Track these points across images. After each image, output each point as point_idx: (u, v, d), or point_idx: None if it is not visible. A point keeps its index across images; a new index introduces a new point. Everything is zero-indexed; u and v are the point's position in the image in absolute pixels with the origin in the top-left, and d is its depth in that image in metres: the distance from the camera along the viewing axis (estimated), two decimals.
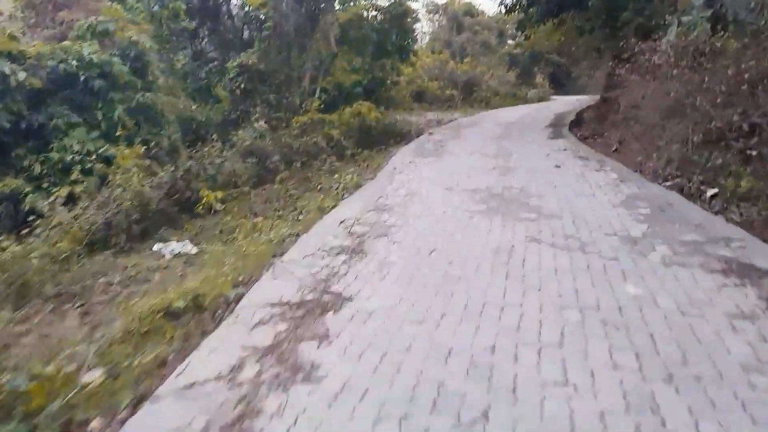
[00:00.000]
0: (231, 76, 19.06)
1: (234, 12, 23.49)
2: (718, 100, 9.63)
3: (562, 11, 18.78)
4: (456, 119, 25.99)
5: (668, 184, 9.01)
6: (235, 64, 19.23)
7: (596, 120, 20.45)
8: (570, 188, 9.37)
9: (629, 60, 14.09)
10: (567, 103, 32.10)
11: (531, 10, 18.16)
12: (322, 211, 8.22)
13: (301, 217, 8.20)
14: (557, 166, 11.72)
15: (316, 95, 17.38)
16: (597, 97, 38.11)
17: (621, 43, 15.10)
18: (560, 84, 51.02)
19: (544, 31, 22.31)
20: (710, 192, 8.07)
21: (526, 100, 37.95)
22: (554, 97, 40.33)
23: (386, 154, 14.75)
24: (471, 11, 57.41)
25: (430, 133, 18.50)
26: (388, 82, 30.67)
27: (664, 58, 12.27)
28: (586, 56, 23.45)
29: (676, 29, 12.44)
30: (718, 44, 11.01)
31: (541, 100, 37.99)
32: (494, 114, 27.13)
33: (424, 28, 63.36)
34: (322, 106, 18.63)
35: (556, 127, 18.98)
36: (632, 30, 16.28)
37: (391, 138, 17.24)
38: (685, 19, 12.27)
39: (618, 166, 11.46)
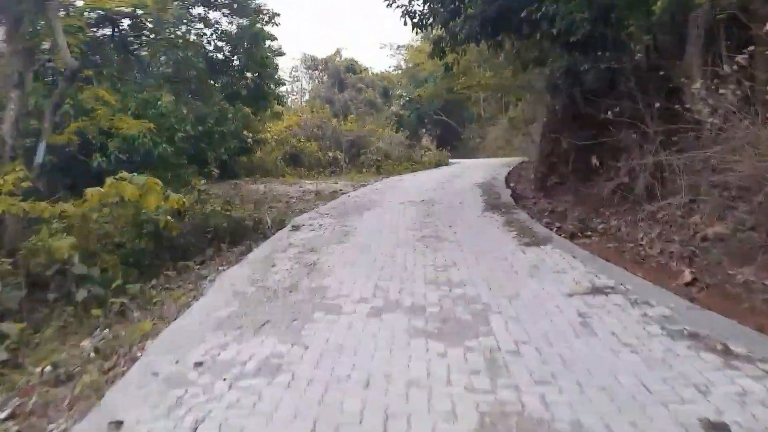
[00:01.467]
0: None
1: None
2: None
3: (499, 33, 11.89)
4: (342, 192, 18.36)
5: None
6: None
7: (552, 197, 13.57)
8: None
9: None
10: (477, 168, 25.76)
11: (453, 23, 11.07)
12: None
13: None
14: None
15: (40, 156, 8.12)
16: (516, 159, 32.57)
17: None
18: (449, 146, 45.56)
19: (467, 61, 15.41)
20: None
21: (423, 165, 31.37)
22: (453, 160, 34.26)
23: (186, 290, 6.45)
24: (353, 67, 51.48)
25: (294, 228, 10.44)
26: (249, 140, 22.59)
27: None
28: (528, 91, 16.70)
29: None
30: None
31: (439, 164, 31.67)
32: (393, 184, 19.74)
33: (303, 84, 56.70)
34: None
35: (501, 210, 11.72)
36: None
37: (220, 240, 9.02)
38: None
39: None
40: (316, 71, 54.16)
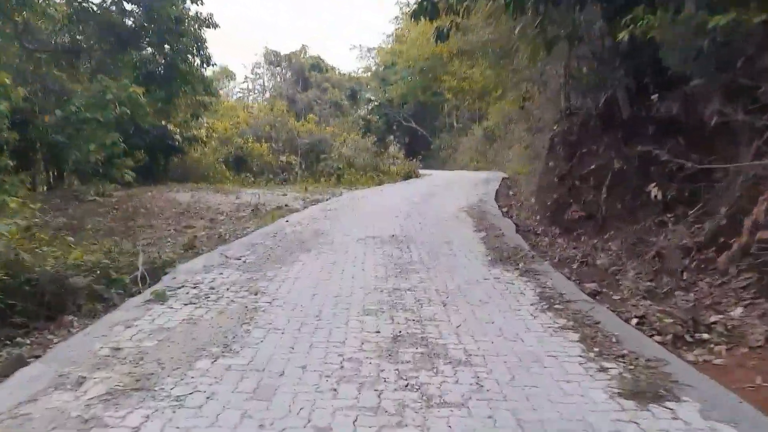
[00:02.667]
0: None
1: None
2: None
3: None
4: (287, 208, 13.79)
5: None
6: None
7: (575, 236, 9.31)
8: None
9: None
10: (454, 183, 21.44)
11: None
12: None
13: None
14: None
15: None
16: (494, 174, 28.32)
17: None
18: (417, 155, 41.31)
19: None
20: None
21: (390, 176, 26.95)
22: (424, 171, 29.94)
23: None
24: (319, 65, 46.89)
25: (158, 297, 5.74)
26: (177, 137, 17.78)
27: None
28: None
29: None
30: None
31: (408, 176, 27.34)
32: (354, 203, 15.15)
33: (265, 82, 51.85)
34: None
35: (516, 263, 7.24)
36: None
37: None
38: None
39: None
40: (278, 68, 49.37)
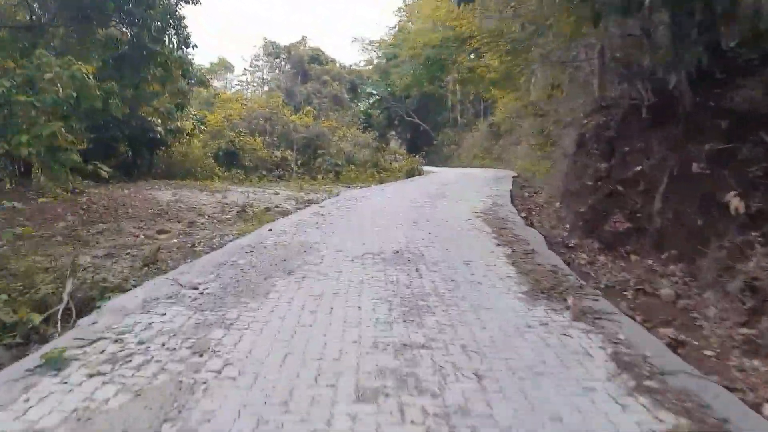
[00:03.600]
0: None
1: None
2: None
3: None
4: (277, 209, 12.02)
5: None
6: None
7: (622, 254, 7.51)
8: None
9: None
10: (461, 182, 19.58)
11: None
12: None
13: None
14: None
15: None
16: (502, 172, 26.46)
17: None
18: (420, 151, 39.43)
19: None
20: None
21: (392, 173, 25.12)
22: (427, 168, 28.07)
23: None
24: (319, 58, 44.98)
25: (48, 366, 3.95)
26: (158, 129, 15.96)
27: None
28: None
29: None
30: None
31: (411, 173, 25.49)
32: (352, 205, 13.28)
33: (264, 75, 49.99)
34: None
35: (560, 297, 5.51)
36: None
37: None
38: None
39: None
40: (278, 59, 47.46)
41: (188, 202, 14.41)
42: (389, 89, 49.50)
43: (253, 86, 53.97)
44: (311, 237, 8.30)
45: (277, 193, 17.04)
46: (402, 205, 12.46)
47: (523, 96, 33.46)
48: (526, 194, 16.50)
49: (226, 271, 6.25)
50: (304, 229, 8.99)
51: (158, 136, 16.23)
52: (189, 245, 9.05)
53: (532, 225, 10.57)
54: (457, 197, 14.53)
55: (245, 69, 52.74)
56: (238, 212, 13.03)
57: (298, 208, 13.38)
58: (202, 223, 11.81)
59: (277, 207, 13.91)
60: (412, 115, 47.50)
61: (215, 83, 52.13)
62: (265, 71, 51.65)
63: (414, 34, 22.66)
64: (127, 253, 8.37)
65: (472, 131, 43.55)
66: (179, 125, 16.96)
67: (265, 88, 48.25)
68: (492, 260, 6.95)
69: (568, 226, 10.14)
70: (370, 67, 50.94)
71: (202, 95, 37.58)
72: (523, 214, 12.24)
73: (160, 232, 10.65)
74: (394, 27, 45.29)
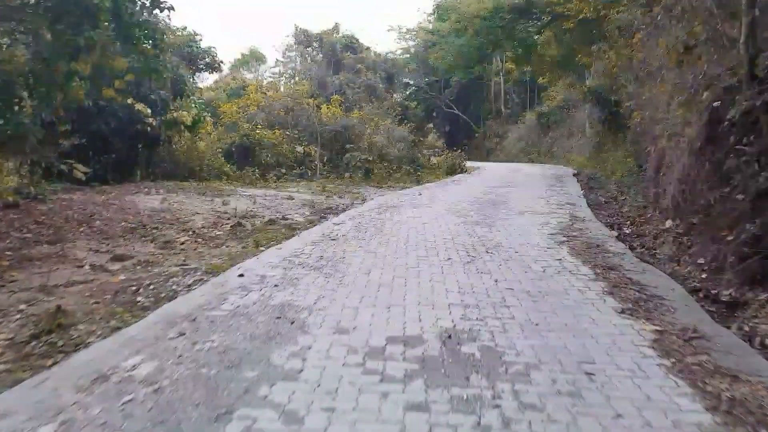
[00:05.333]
0: None
1: None
2: None
3: None
4: (284, 222, 8.70)
5: None
6: None
7: None
8: None
9: None
10: (516, 182, 15.82)
11: None
12: None
13: None
14: None
15: None
16: (554, 168, 22.41)
17: None
18: (459, 145, 35.61)
19: None
20: None
21: (431, 170, 21.60)
22: (471, 164, 24.38)
23: None
24: (353, 46, 41.67)
25: None
26: (149, 120, 12.87)
27: None
28: None
29: None
30: None
31: (452, 170, 21.90)
32: (382, 221, 9.77)
33: (297, 65, 46.97)
34: None
35: None
36: None
37: None
38: None
39: None
40: (309, 48, 44.32)
41: (177, 210, 11.36)
42: (427, 79, 45.84)
43: (286, 77, 50.95)
44: (301, 295, 4.91)
45: (291, 198, 13.82)
46: (447, 222, 8.96)
47: (579, 81, 29.45)
48: (602, 200, 12.78)
49: (108, 391, 2.94)
50: (297, 275, 5.61)
51: (148, 129, 13.14)
52: (134, 288, 5.90)
53: (643, 256, 6.95)
54: (518, 205, 10.94)
55: (277, 60, 49.79)
56: (232, 226, 9.88)
57: (310, 222, 10.09)
58: (181, 244, 8.74)
59: (284, 219, 10.69)
60: (452, 106, 43.74)
61: (247, 75, 49.50)
62: (298, 62, 48.64)
63: (461, 3, 18.94)
64: (41, 303, 5.40)
65: (518, 123, 39.55)
66: (175, 116, 13.84)
67: (297, 80, 45.27)
68: (633, 365, 3.44)
69: (703, 261, 6.51)
70: (407, 55, 47.27)
71: (230, 86, 34.83)
72: (617, 233, 8.61)
73: (116, 258, 7.60)
74: (433, 13, 41.56)
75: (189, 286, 5.84)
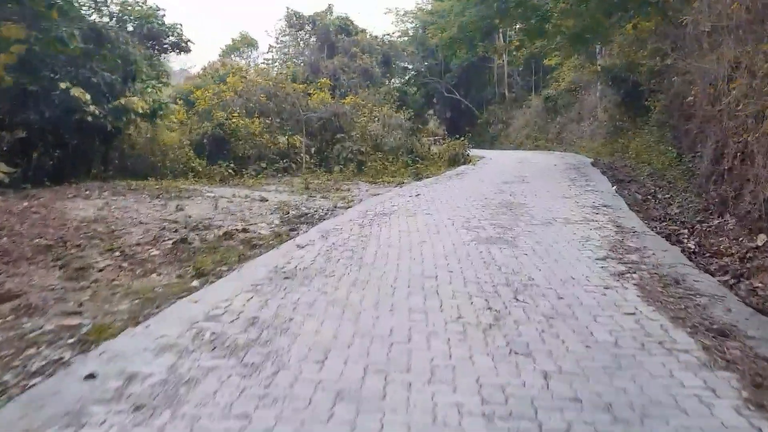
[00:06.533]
0: None
1: None
2: None
3: None
4: (238, 242, 6.29)
5: None
6: None
7: None
8: None
9: None
10: (528, 174, 13.31)
11: None
12: None
13: None
14: None
15: None
16: (568, 157, 19.72)
17: None
18: (461, 132, 33.00)
19: None
20: None
21: (432, 161, 19.14)
22: (475, 152, 21.89)
23: None
24: (348, 28, 38.98)
25: None
26: (91, 108, 10.45)
27: None
28: None
29: None
30: None
31: (455, 161, 19.46)
32: (366, 234, 7.42)
33: (291, 51, 44.32)
34: None
35: None
36: None
37: None
38: None
39: None
40: (302, 32, 41.63)
41: (115, 220, 9.03)
42: (426, 63, 43.21)
43: (280, 63, 48.23)
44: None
45: (264, 199, 11.45)
46: (453, 240, 6.55)
47: (589, 61, 26.83)
48: (639, 197, 10.34)
49: None
50: (195, 368, 3.21)
51: (89, 118, 10.71)
52: None
53: (751, 301, 4.55)
54: (541, 210, 8.50)
55: (270, 45, 47.05)
56: (175, 243, 7.56)
57: (276, 236, 7.75)
58: (99, 271, 6.52)
59: (245, 231, 8.37)
60: (453, 91, 41.13)
61: (242, 62, 46.82)
62: (291, 48, 45.95)
63: None
64: None
65: (523, 108, 36.93)
66: (124, 103, 11.39)
67: (288, 65, 42.63)
68: None
69: None
70: (405, 38, 44.55)
71: (219, 73, 32.24)
72: (691, 242, 6.21)
73: None
74: None
75: (32, 374, 3.51)
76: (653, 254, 5.75)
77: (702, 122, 9.28)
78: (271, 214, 10.00)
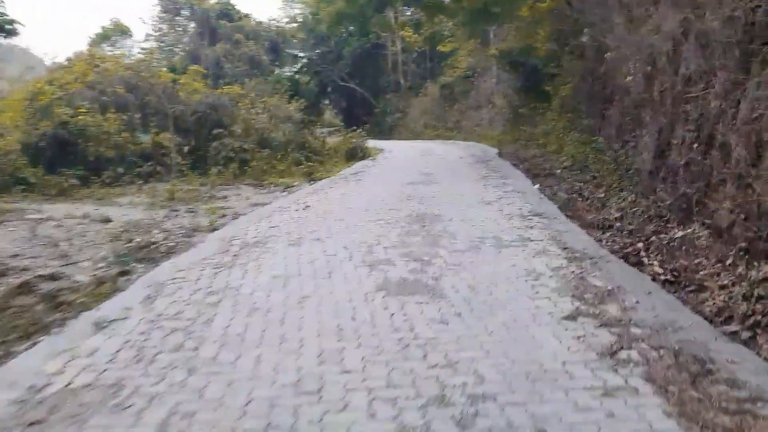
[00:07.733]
0: None
1: None
2: None
3: None
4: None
5: None
6: None
7: None
8: None
9: None
10: (439, 170, 11.32)
11: None
12: None
13: None
14: None
15: None
16: (473, 145, 17.97)
17: None
18: (357, 122, 30.99)
19: None
20: None
21: (327, 157, 16.86)
22: (374, 144, 19.83)
23: None
24: (229, 13, 35.52)
25: None
26: None
27: None
28: None
29: None
30: None
31: (353, 155, 17.33)
32: (213, 321, 5.06)
33: (170, 40, 39.90)
34: None
35: None
36: None
37: None
38: None
39: None
40: (179, 17, 37.53)
41: None
42: (318, 50, 40.64)
43: (158, 53, 43.47)
44: None
45: (108, 220, 8.69)
46: (349, 291, 4.39)
47: (483, 46, 25.68)
48: (564, 195, 8.74)
49: None
50: None
51: None
52: None
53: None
54: (463, 226, 6.54)
55: (147, 34, 42.10)
56: None
57: (99, 283, 5.28)
58: None
59: (54, 279, 5.96)
60: (347, 80, 38.93)
61: (110, 51, 41.53)
62: (171, 36, 41.44)
63: None
64: None
65: (419, 96, 35.47)
66: None
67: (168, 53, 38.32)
68: None
69: None
70: (294, 24, 41.58)
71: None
72: (668, 278, 4.48)
73: None
74: None
75: None
76: (637, 302, 3.92)
77: (637, 106, 7.76)
78: (108, 242, 7.33)
